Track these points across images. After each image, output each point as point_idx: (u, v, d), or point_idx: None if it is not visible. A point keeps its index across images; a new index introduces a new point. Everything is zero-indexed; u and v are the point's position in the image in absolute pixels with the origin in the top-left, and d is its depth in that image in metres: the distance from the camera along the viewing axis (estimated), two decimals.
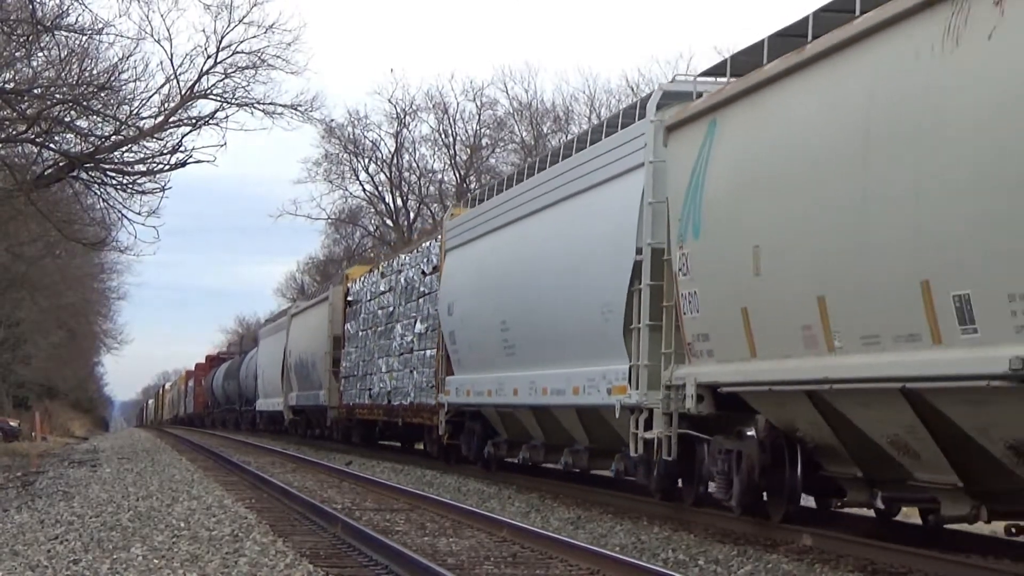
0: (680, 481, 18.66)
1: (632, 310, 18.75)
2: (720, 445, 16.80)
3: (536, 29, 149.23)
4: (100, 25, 33.30)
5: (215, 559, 14.34)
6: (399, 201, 78.39)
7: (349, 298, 42.19)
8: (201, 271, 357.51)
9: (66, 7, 31.96)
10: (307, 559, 14.41)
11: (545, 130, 71.31)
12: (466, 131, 74.89)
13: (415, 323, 32.77)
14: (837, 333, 13.46)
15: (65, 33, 32.80)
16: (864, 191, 12.81)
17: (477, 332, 26.60)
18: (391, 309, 35.73)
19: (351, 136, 76.86)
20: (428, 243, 32.94)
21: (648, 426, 18.18)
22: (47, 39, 32.54)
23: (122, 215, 37.41)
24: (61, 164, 36.53)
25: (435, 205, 75.12)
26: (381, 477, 28.33)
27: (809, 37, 14.53)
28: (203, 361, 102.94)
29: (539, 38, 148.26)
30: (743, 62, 16.49)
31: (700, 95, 17.45)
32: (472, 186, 70.52)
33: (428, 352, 31.43)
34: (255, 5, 39.57)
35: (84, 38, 33.56)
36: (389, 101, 79.78)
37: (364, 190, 78.83)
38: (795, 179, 14.15)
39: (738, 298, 15.39)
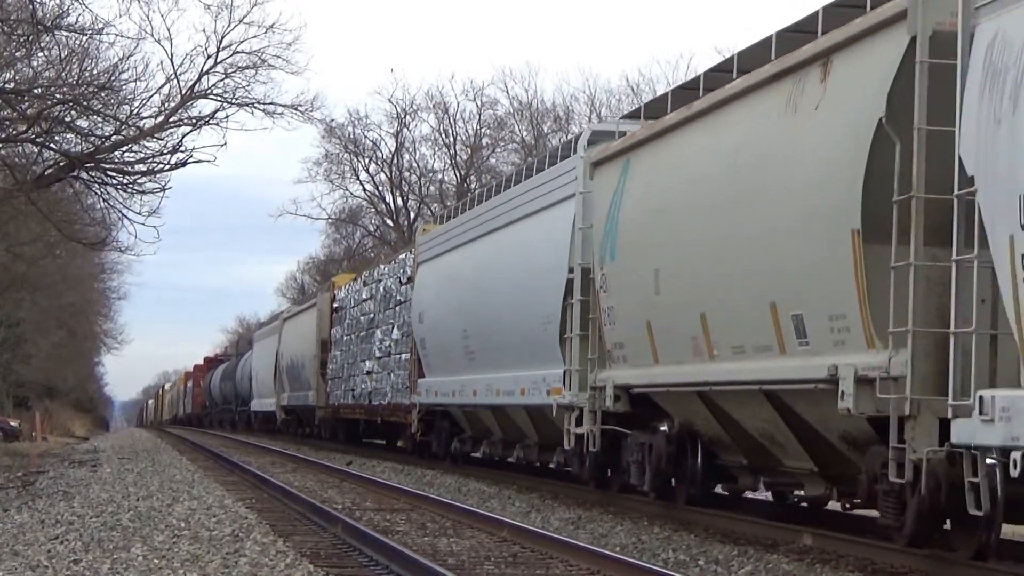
0: (609, 471, 21.36)
1: (566, 321, 21.68)
2: (636, 439, 19.50)
3: (536, 29, 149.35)
4: (100, 25, 33.27)
5: (215, 559, 14.34)
6: (399, 201, 78.44)
7: (335, 304, 44.86)
8: (201, 271, 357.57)
9: (66, 7, 31.98)
10: (307, 559, 14.41)
11: (545, 130, 71.36)
12: (466, 131, 74.98)
13: (392, 329, 35.50)
14: (715, 344, 16.31)
15: (65, 33, 32.83)
16: (733, 227, 15.69)
17: (443, 338, 29.32)
18: (372, 316, 38.48)
19: (351, 136, 76.94)
20: (404, 255, 35.83)
21: (579, 423, 20.96)
22: (47, 39, 32.55)
23: (122, 215, 37.44)
24: (61, 164, 36.52)
25: (435, 205, 75.12)
26: (381, 477, 28.34)
27: (700, 92, 17.51)
28: (201, 362, 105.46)
29: (539, 38, 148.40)
30: (654, 108, 19.68)
31: (623, 134, 20.29)
32: (473, 186, 70.54)
33: (403, 356, 34.08)
34: (255, 5, 39.56)
35: (84, 38, 33.59)
36: (389, 101, 79.89)
37: (364, 190, 78.92)
38: (685, 213, 17.06)
39: (644, 313, 18.25)
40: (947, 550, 13.24)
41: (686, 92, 18.56)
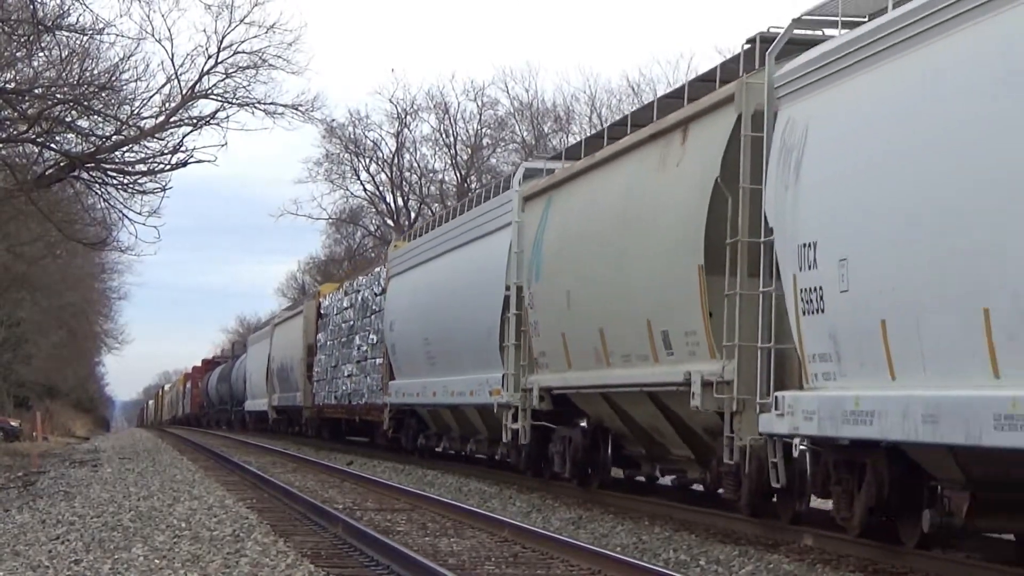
0: (542, 462, 24.67)
1: (504, 332, 25.22)
2: (559, 433, 23.24)
3: (537, 29, 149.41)
4: (101, 25, 33.21)
5: (216, 559, 14.35)
6: (400, 201, 78.45)
7: (320, 312, 48.15)
8: (202, 271, 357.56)
9: (67, 7, 31.96)
10: (308, 559, 14.41)
11: (546, 130, 71.36)
12: (467, 131, 74.98)
13: (369, 335, 39.05)
14: (611, 353, 19.71)
15: (66, 33, 32.80)
16: (621, 255, 19.26)
17: (409, 345, 32.88)
18: (351, 323, 41.92)
19: (352, 136, 76.95)
20: (379, 268, 39.55)
21: (515, 419, 24.35)
22: (48, 39, 32.53)
23: (123, 215, 37.42)
24: (62, 164, 36.51)
25: (436, 205, 75.12)
26: (382, 477, 28.35)
27: (605, 142, 21.44)
28: (199, 364, 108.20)
29: (540, 38, 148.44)
30: (573, 151, 23.93)
31: (551, 171, 24.10)
32: (474, 186, 70.55)
33: (377, 360, 37.58)
34: (256, 5, 39.46)
35: (85, 38, 33.55)
36: (390, 101, 79.94)
37: (365, 190, 78.93)
38: (589, 245, 20.60)
39: (559, 326, 21.80)
40: (773, 518, 16.51)
41: (596, 140, 22.50)
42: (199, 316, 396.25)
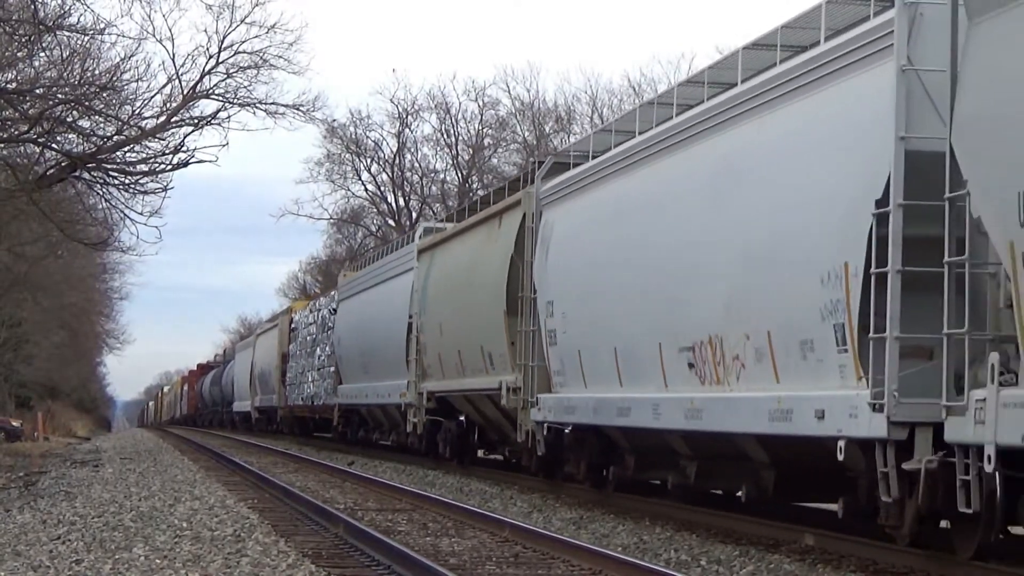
0: (438, 448, 32.04)
1: (408, 349, 33.09)
2: (444, 425, 31.50)
3: (538, 29, 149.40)
4: (102, 25, 33.14)
5: (217, 559, 14.35)
6: (401, 201, 78.42)
7: (292, 326, 56.22)
8: (203, 271, 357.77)
9: (68, 7, 31.92)
10: (309, 559, 14.42)
11: (547, 130, 71.29)
12: (468, 131, 74.94)
13: (326, 347, 46.93)
14: (465, 367, 28.01)
15: (67, 33, 32.75)
16: (467, 300, 27.70)
17: (351, 356, 41.53)
18: (314, 336, 49.94)
19: (353, 136, 76.89)
20: (334, 292, 47.37)
21: (415, 415, 32.47)
22: (49, 39, 32.48)
23: (124, 215, 37.36)
24: (63, 164, 36.48)
25: (437, 205, 75.12)
26: (383, 477, 28.37)
27: (467, 214, 30.81)
28: (195, 368, 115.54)
29: (541, 38, 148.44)
30: (458, 214, 33.33)
31: (441, 229, 32.48)
32: (475, 186, 70.53)
33: (331, 368, 45.26)
34: (257, 5, 39.33)
35: (86, 38, 33.50)
36: (391, 101, 79.90)
37: (366, 190, 78.92)
38: (451, 290, 29.36)
39: (437, 348, 30.32)
40: (569, 480, 23.21)
41: (460, 211, 33.16)
42: (200, 316, 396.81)
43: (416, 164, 77.52)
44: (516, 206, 24.99)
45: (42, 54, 33.94)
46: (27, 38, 31.60)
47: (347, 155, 77.63)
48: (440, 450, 31.48)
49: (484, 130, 74.62)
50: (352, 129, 76.23)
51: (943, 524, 13.35)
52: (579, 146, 23.65)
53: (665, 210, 18.12)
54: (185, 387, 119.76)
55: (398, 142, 76.62)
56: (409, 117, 75.77)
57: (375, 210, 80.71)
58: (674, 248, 17.69)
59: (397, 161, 77.15)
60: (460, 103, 75.15)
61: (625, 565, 13.41)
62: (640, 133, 19.61)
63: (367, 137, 77.06)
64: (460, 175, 75.35)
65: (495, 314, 25.45)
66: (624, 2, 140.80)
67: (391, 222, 78.76)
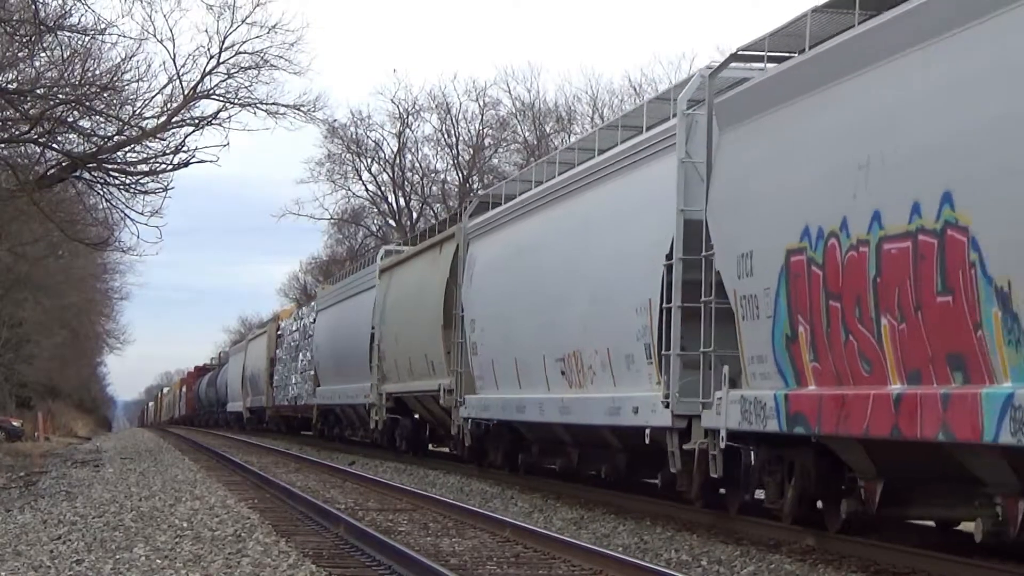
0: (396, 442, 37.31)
1: (371, 355, 37.84)
2: (401, 422, 36.54)
3: (539, 29, 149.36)
4: (103, 25, 33.11)
5: (218, 559, 14.35)
6: (402, 201, 78.39)
7: (279, 332, 61.44)
8: (204, 271, 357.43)
9: (69, 7, 31.92)
10: (310, 559, 14.42)
11: (548, 130, 71.24)
12: (469, 131, 74.87)
13: (307, 352, 51.33)
14: (412, 372, 33.07)
15: (68, 33, 32.76)
16: (413, 316, 33.01)
17: (326, 361, 46.76)
18: (297, 343, 54.66)
19: (354, 136, 76.83)
20: (313, 303, 53.98)
21: (377, 414, 37.40)
22: (50, 39, 32.48)
23: (125, 215, 37.37)
24: (64, 164, 36.49)
25: (438, 205, 75.09)
26: (384, 477, 28.37)
27: (416, 242, 36.43)
28: (193, 371, 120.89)
29: (542, 38, 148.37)
30: (412, 239, 38.67)
31: (400, 251, 38.18)
32: (475, 186, 70.48)
33: (311, 372, 49.91)
34: (258, 5, 39.39)
35: (87, 38, 33.49)
36: (392, 101, 79.82)
37: (367, 190, 78.87)
38: (403, 306, 34.58)
39: (394, 355, 35.40)
40: (492, 467, 28.23)
41: (414, 237, 39.30)
42: (201, 316, 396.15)
43: (417, 164, 77.54)
44: (451, 238, 30.29)
45: (43, 54, 33.96)
46: (28, 38, 31.60)
47: (348, 155, 77.62)
48: (397, 444, 36.81)
49: (485, 130, 74.60)
50: (353, 129, 76.25)
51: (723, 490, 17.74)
52: (498, 190, 28.74)
53: (549, 250, 23.19)
54: (183, 388, 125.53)
55: (399, 142, 76.64)
56: (410, 117, 75.78)
57: (376, 210, 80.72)
58: (553, 281, 22.71)
59: (398, 161, 77.15)
60: (461, 103, 75.15)
61: (626, 565, 13.41)
62: (536, 184, 24.96)
63: (368, 137, 77.08)
64: (461, 175, 75.33)
65: (435, 328, 30.67)
66: (625, 2, 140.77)
67: (392, 222, 78.75)
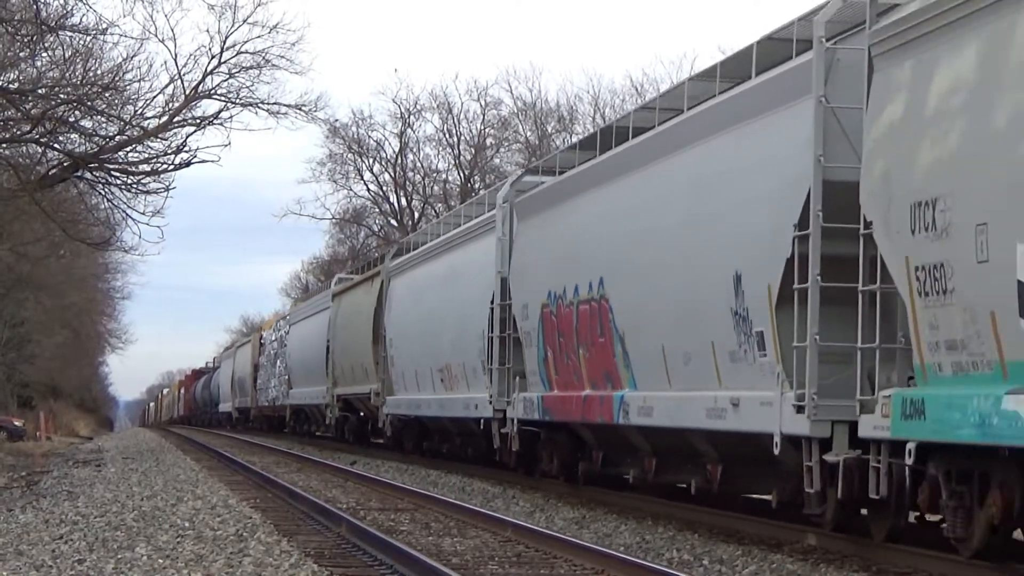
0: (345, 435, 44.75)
1: (327, 364, 45.16)
2: (350, 419, 43.12)
3: (540, 29, 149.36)
4: (104, 25, 33.09)
5: (220, 559, 14.35)
6: (403, 201, 78.35)
7: (262, 341, 68.35)
8: (205, 271, 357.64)
9: (70, 7, 31.91)
10: (312, 559, 14.42)
11: (549, 130, 71.23)
12: (470, 131, 74.84)
13: (284, 359, 58.12)
14: (355, 377, 40.31)
15: (69, 33, 32.74)
16: (354, 332, 40.72)
17: (296, 368, 54.28)
18: (276, 351, 61.18)
19: (355, 136, 76.79)
20: (288, 315, 62.09)
21: (331, 413, 44.74)
22: (51, 39, 32.46)
23: (126, 215, 37.39)
24: (65, 164, 36.48)
25: (439, 205, 75.05)
26: (385, 477, 28.37)
27: (362, 271, 44.37)
28: (191, 373, 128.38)
29: (543, 38, 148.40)
30: (357, 271, 45.84)
31: (350, 279, 44.60)
32: (477, 186, 70.46)
33: (286, 376, 56.76)
34: (259, 5, 39.37)
35: (88, 38, 33.48)
36: (393, 101, 79.76)
37: (368, 190, 78.83)
38: (347, 324, 42.48)
39: (342, 363, 42.47)
40: (409, 452, 35.48)
41: (359, 268, 46.70)
42: (202, 316, 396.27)
43: (418, 164, 77.49)
44: (378, 275, 38.56)
45: (44, 54, 33.94)
46: (29, 38, 31.59)
47: (349, 155, 77.58)
48: (346, 436, 43.94)
49: (486, 130, 74.59)
50: (354, 129, 76.21)
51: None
52: (409, 239, 37.91)
53: (433, 291, 31.11)
54: (181, 390, 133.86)
55: (400, 142, 76.60)
56: (411, 117, 75.73)
57: (377, 210, 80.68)
58: (435, 314, 30.45)
59: (399, 161, 77.11)
60: (462, 103, 75.10)
61: (628, 565, 13.41)
62: (433, 237, 33.10)
63: (369, 137, 77.06)
64: (462, 175, 75.30)
65: (367, 343, 38.37)
66: (627, 2, 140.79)
67: (393, 222, 78.72)
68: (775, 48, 15.80)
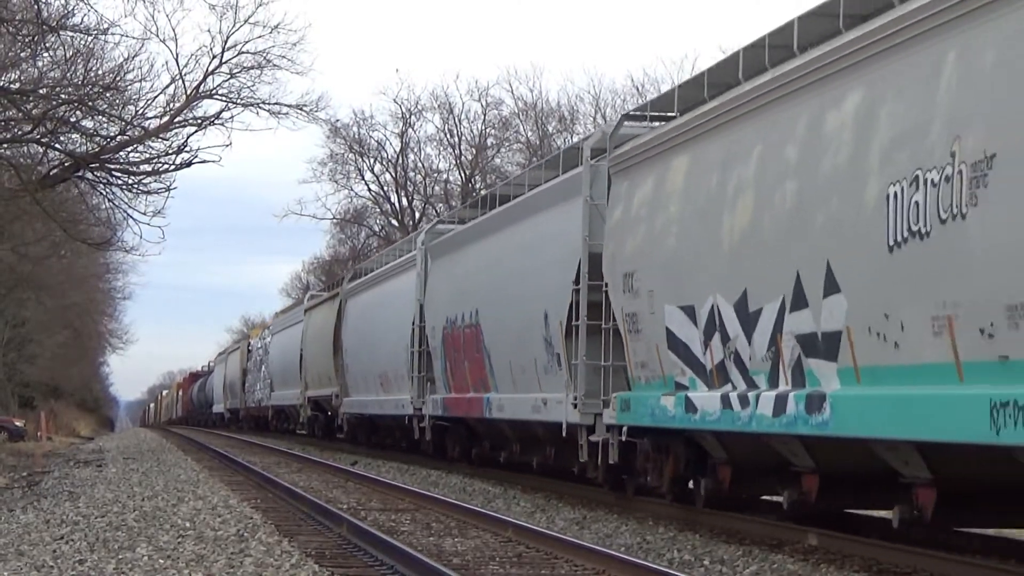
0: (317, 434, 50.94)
1: (300, 369, 51.25)
2: (320, 418, 48.35)
3: (541, 29, 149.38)
4: (105, 25, 33.10)
5: (220, 559, 14.35)
6: (404, 201, 78.37)
7: (249, 348, 73.15)
8: (206, 271, 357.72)
9: (71, 7, 31.91)
10: (312, 559, 14.42)
11: (550, 130, 71.25)
12: (471, 131, 74.87)
13: (267, 365, 63.47)
14: (321, 382, 46.92)
15: (70, 33, 32.74)
16: (320, 343, 47.16)
17: (276, 372, 59.58)
18: (261, 357, 66.54)
19: (356, 136, 76.83)
20: (270, 326, 68.44)
21: (304, 412, 50.74)
22: (52, 39, 32.46)
23: (127, 215, 37.40)
24: (66, 164, 36.48)
25: (440, 205, 75.05)
26: (386, 477, 28.37)
27: (330, 289, 51.30)
28: (188, 376, 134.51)
29: (544, 38, 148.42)
30: (326, 288, 54.77)
31: (320, 296, 50.64)
32: (478, 186, 70.47)
33: (270, 380, 62.04)
34: (260, 5, 39.39)
35: (89, 38, 33.47)
36: (394, 101, 79.89)
37: (369, 190, 78.87)
38: (315, 337, 48.15)
39: (311, 369, 49.39)
40: (362, 445, 41.83)
41: (328, 286, 52.56)
42: (203, 316, 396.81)
43: (419, 164, 77.52)
44: (337, 295, 44.51)
45: (45, 54, 33.93)
46: (30, 38, 31.59)
47: (350, 155, 77.62)
48: (315, 432, 49.77)
49: (487, 130, 74.63)
50: (355, 129, 76.25)
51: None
52: (362, 266, 43.71)
53: (374, 312, 37.62)
54: (180, 392, 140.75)
55: (401, 142, 76.64)
56: (412, 117, 75.79)
57: (378, 210, 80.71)
58: (377, 329, 36.81)
59: (400, 161, 77.15)
60: (463, 103, 75.19)
61: (628, 565, 13.41)
62: (380, 265, 38.96)
63: (370, 137, 77.09)
64: (463, 175, 75.32)
65: (329, 353, 44.23)
66: (628, 2, 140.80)
67: (394, 222, 78.74)
68: (572, 155, 22.67)
